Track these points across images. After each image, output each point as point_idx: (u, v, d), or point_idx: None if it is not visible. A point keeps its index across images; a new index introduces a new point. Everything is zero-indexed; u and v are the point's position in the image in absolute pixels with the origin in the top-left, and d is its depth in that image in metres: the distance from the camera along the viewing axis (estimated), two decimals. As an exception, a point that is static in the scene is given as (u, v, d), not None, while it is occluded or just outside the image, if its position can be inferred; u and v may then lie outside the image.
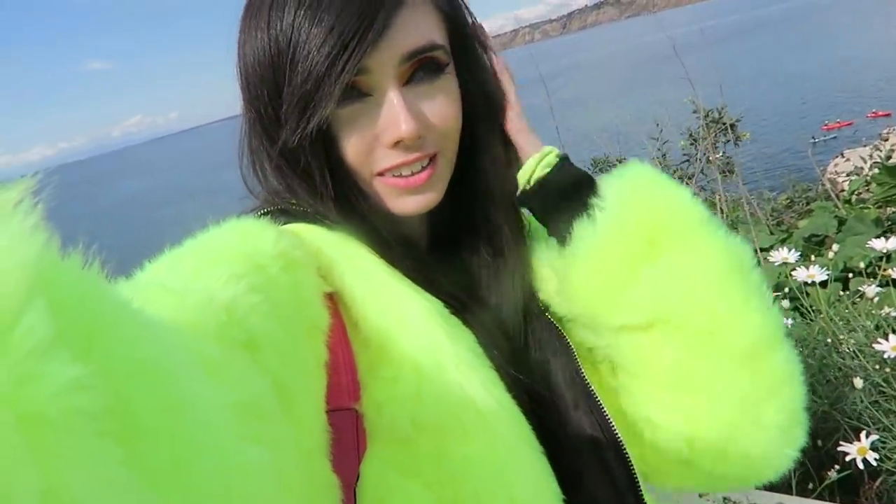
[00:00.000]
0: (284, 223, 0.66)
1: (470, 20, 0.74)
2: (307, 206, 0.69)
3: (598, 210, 0.69)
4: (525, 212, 0.81)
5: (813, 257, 3.39)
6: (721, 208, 4.75)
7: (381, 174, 0.68)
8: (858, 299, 2.54)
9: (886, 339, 1.31)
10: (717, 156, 7.83)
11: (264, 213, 0.68)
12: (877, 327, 2.05)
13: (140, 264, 0.56)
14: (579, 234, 0.70)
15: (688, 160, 9.06)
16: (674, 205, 0.70)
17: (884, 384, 1.27)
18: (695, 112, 8.79)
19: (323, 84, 0.61)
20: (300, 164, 0.66)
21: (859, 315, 2.13)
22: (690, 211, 0.70)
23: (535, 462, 0.61)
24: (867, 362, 1.35)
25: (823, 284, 2.74)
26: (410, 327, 0.61)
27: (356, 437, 0.59)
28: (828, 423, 1.36)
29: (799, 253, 3.88)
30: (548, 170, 0.73)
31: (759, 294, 0.68)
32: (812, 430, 0.78)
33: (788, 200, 9.08)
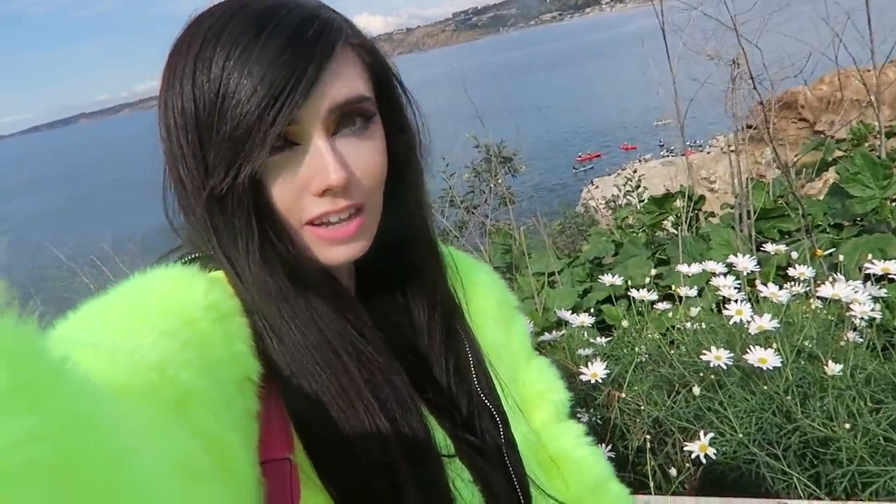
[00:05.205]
0: (211, 269, 0.64)
1: (394, 70, 0.74)
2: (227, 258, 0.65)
3: None
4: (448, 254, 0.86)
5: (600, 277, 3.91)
6: (514, 237, 5.14)
7: (309, 223, 0.66)
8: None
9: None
10: (504, 186, 8.48)
11: (192, 260, 0.66)
12: (663, 335, 2.39)
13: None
14: None
15: (472, 191, 9.67)
16: None
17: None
18: (476, 147, 9.45)
19: (254, 134, 0.59)
20: (227, 213, 0.63)
21: (649, 327, 2.46)
22: None
23: None
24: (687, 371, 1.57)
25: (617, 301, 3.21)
26: None
27: (290, 488, 0.58)
28: (663, 427, 1.56)
29: (587, 273, 4.37)
30: None
31: None
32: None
33: (560, 226, 10.04)
